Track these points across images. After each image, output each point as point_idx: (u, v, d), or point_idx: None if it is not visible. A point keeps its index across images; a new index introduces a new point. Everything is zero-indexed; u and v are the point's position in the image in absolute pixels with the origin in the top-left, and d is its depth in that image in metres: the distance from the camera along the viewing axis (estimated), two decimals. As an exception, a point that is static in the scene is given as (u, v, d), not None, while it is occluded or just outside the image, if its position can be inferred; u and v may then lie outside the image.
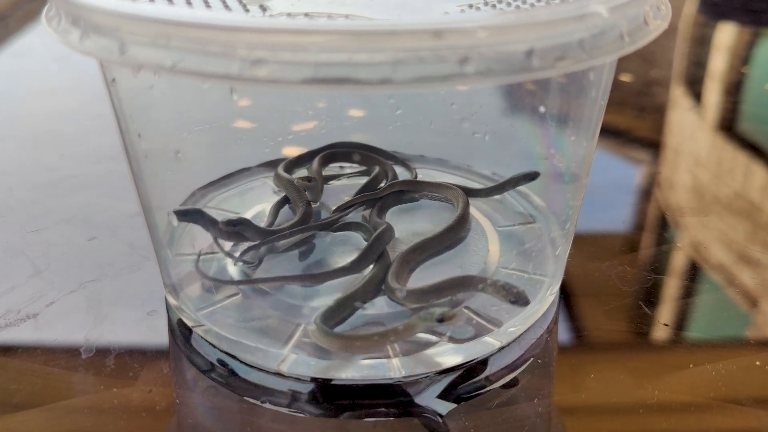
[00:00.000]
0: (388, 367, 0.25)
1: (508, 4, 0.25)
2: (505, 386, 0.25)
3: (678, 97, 0.53)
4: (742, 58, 0.60)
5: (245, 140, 0.35)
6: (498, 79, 0.18)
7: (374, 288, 0.27)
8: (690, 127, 0.48)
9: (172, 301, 0.28)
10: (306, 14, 0.23)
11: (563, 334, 0.28)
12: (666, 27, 0.22)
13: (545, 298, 0.28)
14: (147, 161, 0.26)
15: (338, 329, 0.25)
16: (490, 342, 0.26)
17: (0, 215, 0.36)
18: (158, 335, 0.28)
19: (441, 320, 0.23)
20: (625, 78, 0.55)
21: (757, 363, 0.26)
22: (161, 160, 0.28)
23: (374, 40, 0.17)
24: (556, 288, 0.29)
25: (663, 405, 0.24)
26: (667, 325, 0.28)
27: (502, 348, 0.26)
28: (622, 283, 0.30)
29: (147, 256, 0.32)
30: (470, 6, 0.24)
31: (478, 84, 0.18)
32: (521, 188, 0.32)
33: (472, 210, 0.32)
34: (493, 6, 0.24)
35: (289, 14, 0.23)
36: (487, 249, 0.30)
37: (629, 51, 0.20)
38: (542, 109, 0.29)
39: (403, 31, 0.17)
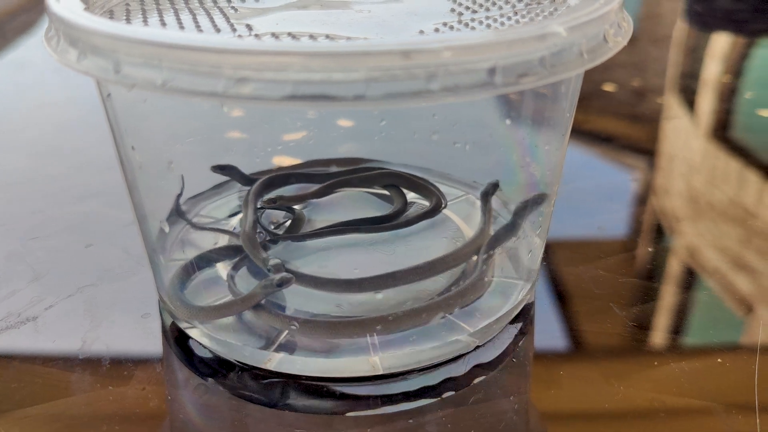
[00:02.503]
0: (369, 364, 0.26)
1: (480, 23, 0.26)
2: (481, 383, 0.27)
3: (671, 105, 0.54)
4: (730, 67, 0.62)
5: (236, 150, 0.36)
6: (463, 95, 0.19)
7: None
8: (683, 134, 0.50)
9: (164, 304, 0.29)
10: (289, 34, 0.24)
11: (538, 335, 0.29)
12: (625, 44, 0.24)
13: (519, 300, 0.29)
14: (141, 172, 0.28)
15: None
16: (466, 341, 0.27)
17: (2, 224, 0.37)
18: (152, 337, 0.29)
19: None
20: (618, 88, 0.56)
21: (719, 360, 0.27)
22: (154, 170, 0.29)
23: (349, 60, 0.19)
24: (531, 290, 0.30)
25: (630, 402, 0.26)
26: (636, 326, 0.29)
27: (478, 347, 0.28)
28: (596, 287, 0.32)
29: (141, 262, 0.33)
30: (444, 24, 0.26)
31: (446, 100, 0.19)
32: (499, 194, 0.34)
33: (450, 213, 0.34)
34: (466, 24, 0.26)
35: (273, 34, 0.24)
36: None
37: (589, 67, 0.22)
38: (513, 120, 0.31)
39: (375, 51, 0.19)
